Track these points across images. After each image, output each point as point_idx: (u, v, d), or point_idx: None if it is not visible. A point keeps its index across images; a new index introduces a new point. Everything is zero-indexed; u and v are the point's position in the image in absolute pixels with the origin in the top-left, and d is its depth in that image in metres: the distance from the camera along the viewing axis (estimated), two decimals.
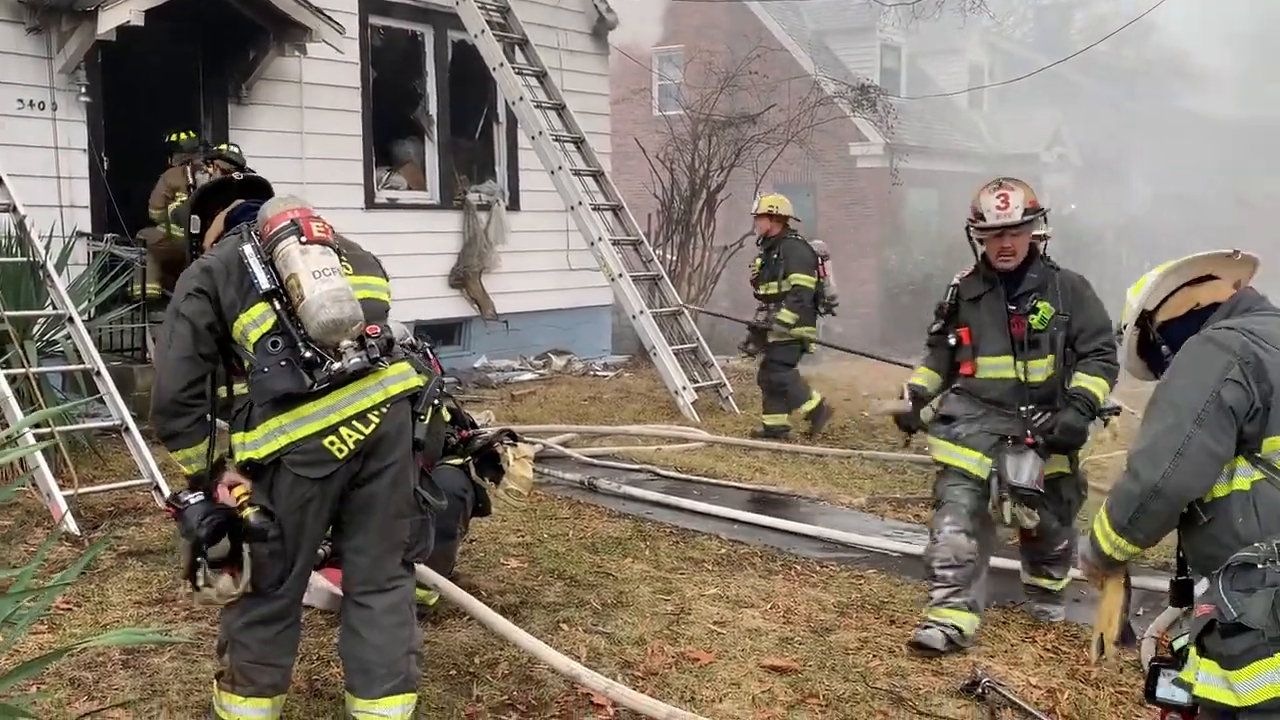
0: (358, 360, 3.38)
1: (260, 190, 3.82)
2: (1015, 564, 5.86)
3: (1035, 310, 4.82)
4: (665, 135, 15.99)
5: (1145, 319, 3.22)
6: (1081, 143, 29.14)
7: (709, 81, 16.69)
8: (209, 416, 3.55)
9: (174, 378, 3.43)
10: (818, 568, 5.88)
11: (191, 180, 9.31)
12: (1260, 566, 2.73)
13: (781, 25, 24.92)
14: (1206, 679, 2.78)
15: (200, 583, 3.41)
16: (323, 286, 3.34)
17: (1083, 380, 4.78)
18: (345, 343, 3.37)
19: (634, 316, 10.96)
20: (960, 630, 4.67)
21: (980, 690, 4.23)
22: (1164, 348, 3.13)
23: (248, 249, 3.44)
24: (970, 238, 4.97)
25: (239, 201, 3.75)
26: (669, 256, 14.92)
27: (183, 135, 9.80)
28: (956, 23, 25.26)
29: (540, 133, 11.44)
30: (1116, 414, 5.05)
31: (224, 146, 9.41)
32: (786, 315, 9.38)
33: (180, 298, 3.48)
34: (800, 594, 5.41)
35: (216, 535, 3.38)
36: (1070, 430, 4.76)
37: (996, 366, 4.91)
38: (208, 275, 3.47)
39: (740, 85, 16.75)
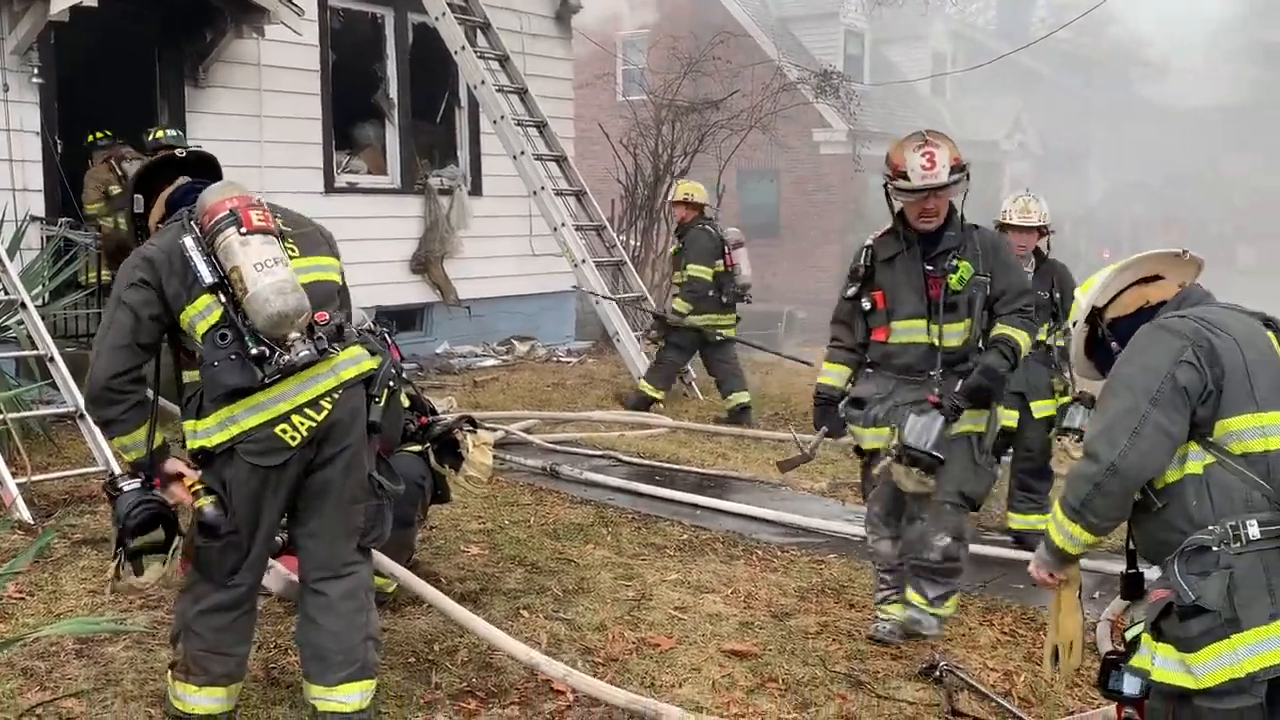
0: (306, 353, 3.33)
1: (207, 167, 3.74)
2: (978, 549, 5.92)
3: (954, 269, 4.52)
4: (629, 120, 15.93)
5: (1095, 316, 3.21)
6: (1042, 130, 29.36)
7: (673, 67, 16.65)
8: (147, 403, 3.49)
9: (107, 365, 3.38)
10: (779, 553, 5.90)
11: (120, 172, 9.26)
12: (1215, 549, 2.76)
13: (745, 10, 24.91)
14: (1164, 663, 2.80)
15: (122, 570, 3.37)
16: (265, 279, 3.27)
17: (1005, 329, 4.55)
18: (293, 334, 3.31)
19: (597, 302, 10.93)
20: (898, 621, 4.70)
21: (938, 673, 4.26)
22: (1114, 344, 3.12)
23: (188, 241, 3.37)
24: (887, 195, 4.59)
25: (182, 180, 3.67)
26: (632, 242, 14.88)
27: (98, 135, 9.76)
28: (919, 10, 25.40)
29: (502, 117, 11.37)
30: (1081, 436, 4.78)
31: (161, 133, 9.23)
32: (680, 305, 9.58)
33: (123, 286, 3.41)
34: (761, 579, 5.43)
35: (143, 527, 3.34)
36: (991, 373, 4.46)
37: (909, 331, 4.59)
38: (150, 266, 3.40)
39: (704, 71, 16.71)
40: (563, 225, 11.10)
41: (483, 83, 11.41)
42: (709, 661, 4.42)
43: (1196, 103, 35.90)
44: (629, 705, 3.87)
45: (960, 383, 4.48)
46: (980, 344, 4.58)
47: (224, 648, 3.52)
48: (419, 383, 10.54)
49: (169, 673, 3.63)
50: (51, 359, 6.65)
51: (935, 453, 4.36)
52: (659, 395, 9.73)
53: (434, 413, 5.08)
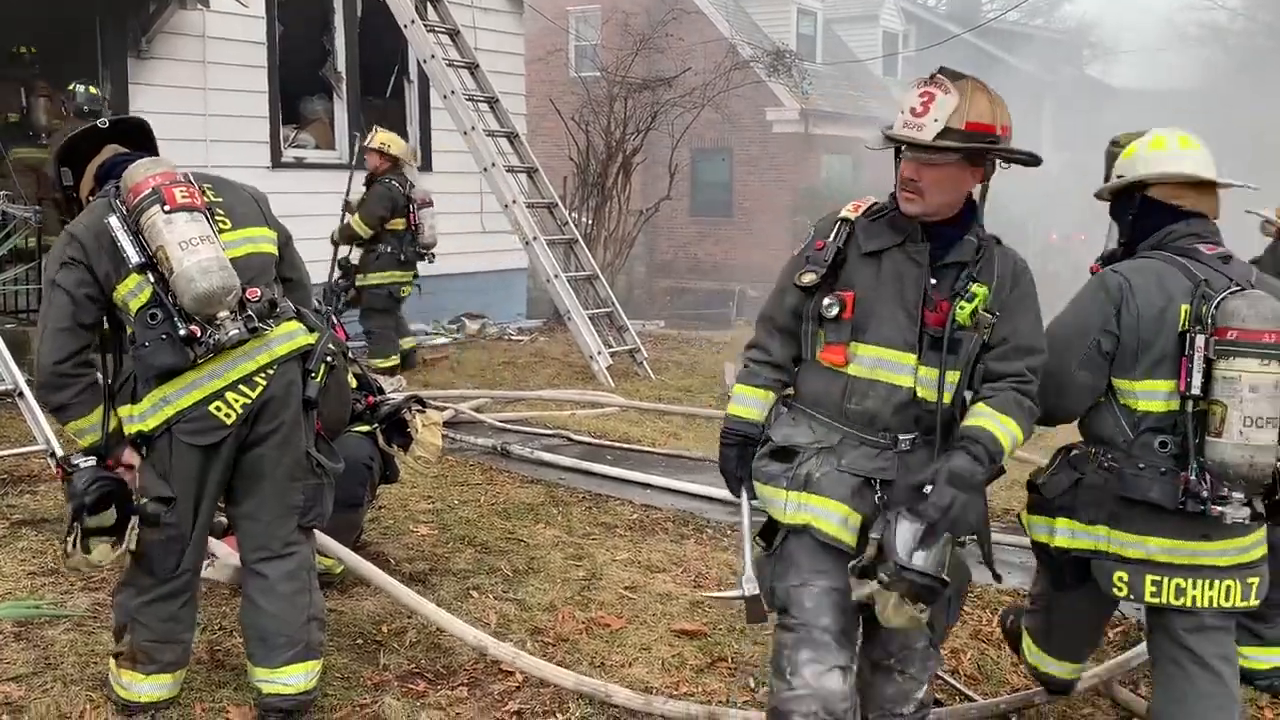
0: (236, 331, 3.28)
1: (136, 133, 3.65)
2: None
3: (967, 294, 3.02)
4: (581, 97, 15.85)
5: (1138, 187, 3.45)
6: None
7: (626, 43, 16.57)
8: (99, 386, 3.43)
9: (53, 349, 3.31)
10: (729, 532, 5.91)
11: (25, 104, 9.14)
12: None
13: None
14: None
15: (72, 548, 3.30)
16: (190, 259, 3.21)
17: (984, 418, 3.00)
18: (222, 313, 3.26)
19: (548, 280, 10.87)
20: None
21: None
22: (1131, 216, 3.49)
23: (114, 220, 3.30)
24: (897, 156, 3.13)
25: (110, 150, 3.58)
26: (585, 220, 14.82)
27: (26, 49, 9.87)
28: None
29: (452, 92, 11.25)
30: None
31: (74, 87, 9.02)
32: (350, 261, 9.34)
33: (55, 267, 3.35)
34: (711, 558, 5.44)
35: (100, 504, 3.27)
36: (960, 481, 2.94)
37: (888, 365, 3.04)
38: (78, 245, 3.33)
39: (657, 48, 16.66)
40: (514, 202, 11.03)
41: (432, 57, 11.28)
42: (659, 641, 4.42)
43: (1147, 84, 36.32)
44: (577, 687, 3.86)
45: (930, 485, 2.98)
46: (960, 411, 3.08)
47: (172, 635, 3.48)
48: (367, 361, 10.47)
49: (112, 661, 3.57)
50: None
51: (943, 576, 2.92)
52: (393, 361, 9.37)
53: (381, 392, 5.02)
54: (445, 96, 11.33)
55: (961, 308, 3.00)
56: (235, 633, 4.14)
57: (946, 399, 3.00)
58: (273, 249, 3.59)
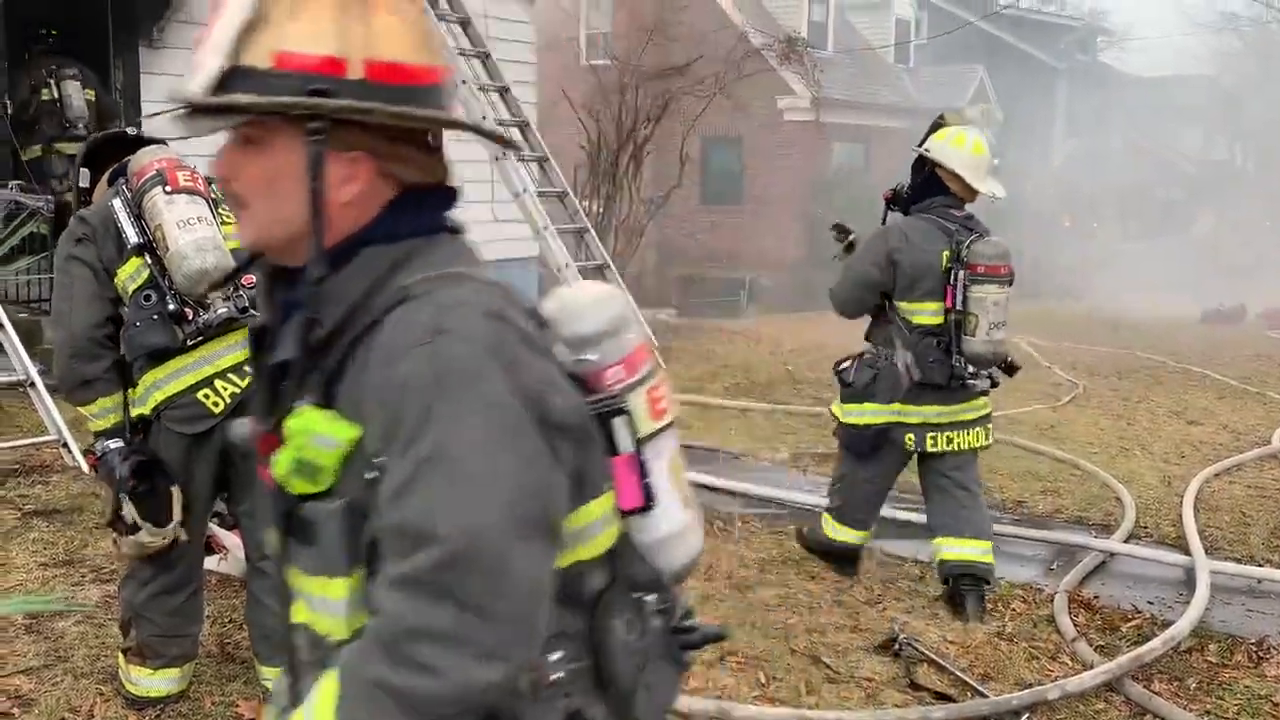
0: (224, 310, 3.28)
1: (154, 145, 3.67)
2: None
3: (288, 429, 1.46)
4: (592, 85, 15.81)
5: (931, 162, 4.75)
6: (1005, 99, 29.43)
7: (637, 31, 16.51)
8: (122, 366, 3.42)
9: (85, 316, 3.32)
10: (739, 523, 5.89)
11: (53, 85, 9.20)
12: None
13: None
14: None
15: (129, 523, 3.29)
16: (187, 236, 3.24)
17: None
18: (214, 294, 3.27)
19: (559, 270, 10.85)
20: None
21: (898, 646, 4.27)
22: (921, 178, 4.82)
23: (117, 203, 3.35)
24: None
25: (127, 159, 3.60)
26: (596, 209, 14.80)
27: (51, 31, 9.69)
28: None
29: (464, 82, 11.21)
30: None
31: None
32: None
33: (70, 245, 3.39)
34: (722, 550, 5.42)
35: (139, 473, 3.27)
36: None
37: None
38: (87, 226, 3.38)
39: (668, 36, 16.60)
40: (524, 192, 10.99)
41: (444, 45, 11.25)
42: None
43: (1161, 71, 36.13)
44: None
45: None
46: None
47: (178, 630, 3.48)
48: None
49: (120, 656, 3.58)
50: (1, 326, 6.51)
51: None
52: None
53: None
54: (456, 86, 11.30)
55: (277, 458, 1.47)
56: (245, 625, 4.13)
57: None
58: None
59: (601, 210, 14.88)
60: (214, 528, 4.44)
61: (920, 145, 4.82)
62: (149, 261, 3.30)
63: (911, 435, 4.71)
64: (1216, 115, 34.35)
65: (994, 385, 4.74)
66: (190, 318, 3.27)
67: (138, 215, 3.31)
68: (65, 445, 6.17)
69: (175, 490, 3.32)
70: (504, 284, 1.53)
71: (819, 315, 11.44)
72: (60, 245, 3.44)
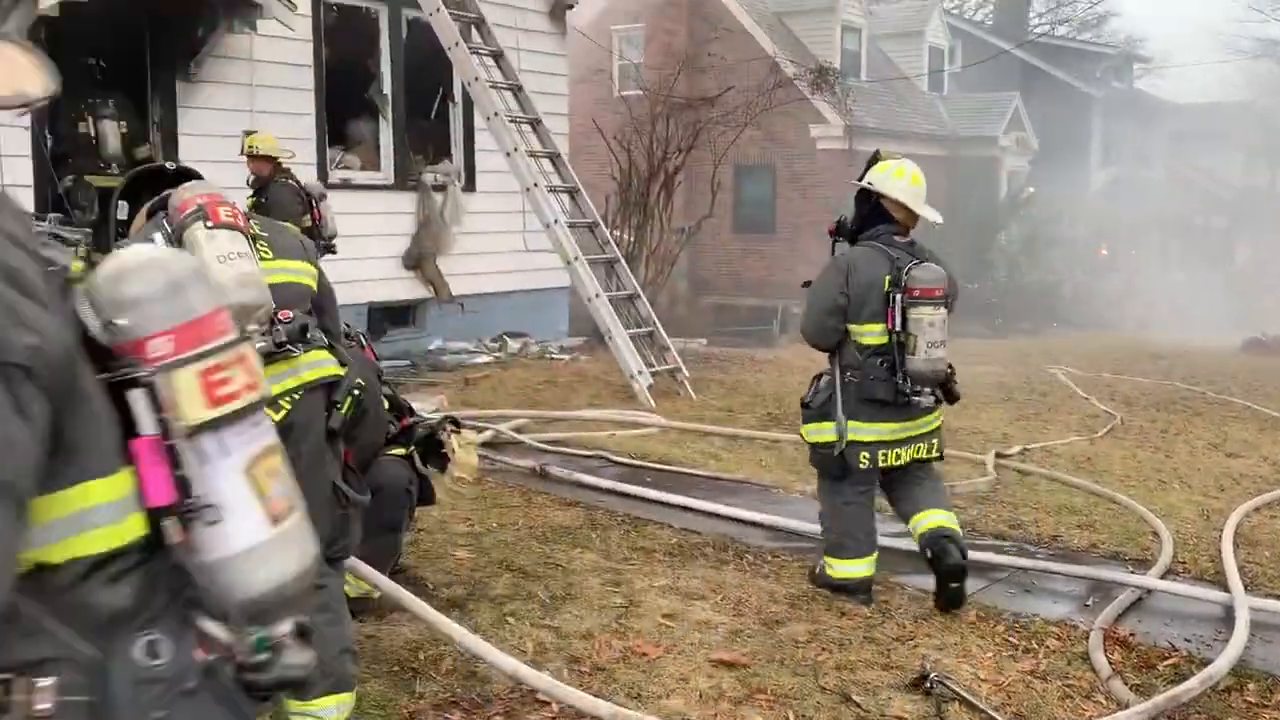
0: (263, 344, 3.28)
1: (191, 179, 3.71)
2: (971, 555, 5.87)
3: None
4: (624, 116, 15.88)
5: (875, 194, 5.07)
6: (1040, 126, 29.31)
7: (668, 62, 16.59)
8: None
9: None
10: (769, 557, 5.84)
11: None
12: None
13: (741, 4, 24.80)
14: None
15: None
16: (228, 271, 3.24)
17: None
18: (251, 326, 3.27)
19: (589, 300, 10.87)
20: None
21: (929, 684, 4.21)
22: (865, 209, 5.16)
23: (157, 237, 3.35)
24: None
25: (167, 193, 3.64)
26: (626, 239, 14.83)
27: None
28: (916, 5, 25.31)
29: (496, 114, 11.31)
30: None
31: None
32: None
33: None
34: (751, 585, 5.37)
35: None
36: None
37: None
38: None
39: (699, 66, 16.66)
40: (555, 223, 11.05)
41: (476, 79, 11.35)
42: (697, 671, 4.36)
43: (1196, 99, 35.87)
44: (613, 718, 3.82)
45: None
46: None
47: None
48: (411, 380, 10.54)
49: None
50: None
51: None
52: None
53: (413, 413, 5.02)
54: (489, 118, 11.40)
55: None
56: None
57: None
58: (311, 283, 3.61)
59: (632, 240, 14.91)
60: None
61: (860, 179, 5.14)
62: None
63: (866, 454, 5.06)
64: (1255, 141, 34.02)
65: (937, 402, 5.10)
66: None
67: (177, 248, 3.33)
68: None
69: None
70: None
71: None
72: None
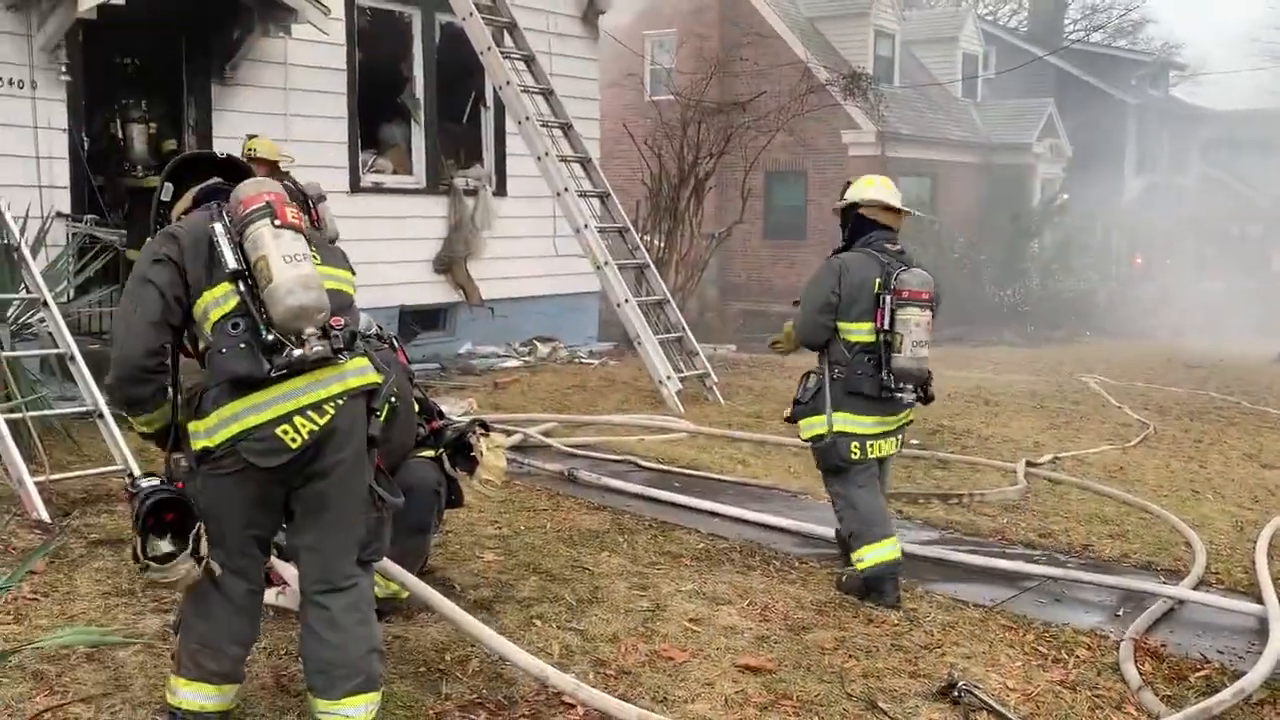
0: (320, 348, 3.30)
1: (237, 173, 3.74)
2: (1001, 563, 5.84)
3: None
4: (655, 121, 15.89)
5: (855, 207, 5.47)
6: (1074, 133, 29.10)
7: (700, 67, 16.59)
8: (169, 389, 3.49)
9: (140, 341, 3.35)
10: (797, 564, 5.83)
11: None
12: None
13: (774, 10, 24.79)
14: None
15: (145, 565, 3.34)
16: (292, 271, 3.28)
17: None
18: (309, 330, 3.29)
19: (619, 305, 10.88)
20: None
21: (957, 694, 4.18)
22: (850, 225, 5.51)
23: (218, 227, 3.37)
24: None
25: (214, 180, 3.67)
26: (656, 244, 14.83)
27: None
28: (950, 10, 25.13)
29: (527, 118, 11.34)
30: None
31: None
32: None
33: (147, 264, 3.40)
34: (778, 591, 5.36)
35: (157, 510, 3.31)
36: None
37: None
38: (174, 243, 3.39)
39: (731, 71, 16.65)
40: (585, 227, 11.06)
41: (508, 83, 11.38)
42: (722, 676, 4.35)
43: (1233, 106, 35.52)
44: None
45: None
46: None
47: (215, 644, 3.49)
48: (441, 384, 10.58)
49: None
50: (72, 358, 6.65)
51: None
52: None
53: (442, 416, 5.04)
54: (520, 122, 11.42)
55: None
56: (301, 659, 4.15)
57: None
58: (353, 292, 3.65)
59: (663, 245, 14.91)
60: (273, 560, 4.49)
61: (840, 201, 5.58)
62: (241, 289, 3.32)
63: (856, 444, 5.36)
64: None
65: (919, 400, 5.39)
66: (282, 349, 3.29)
67: (238, 243, 3.35)
68: (131, 475, 6.27)
69: (199, 527, 3.36)
70: None
71: None
72: (142, 255, 3.46)
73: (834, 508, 5.52)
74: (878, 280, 5.28)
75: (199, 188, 3.66)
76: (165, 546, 3.36)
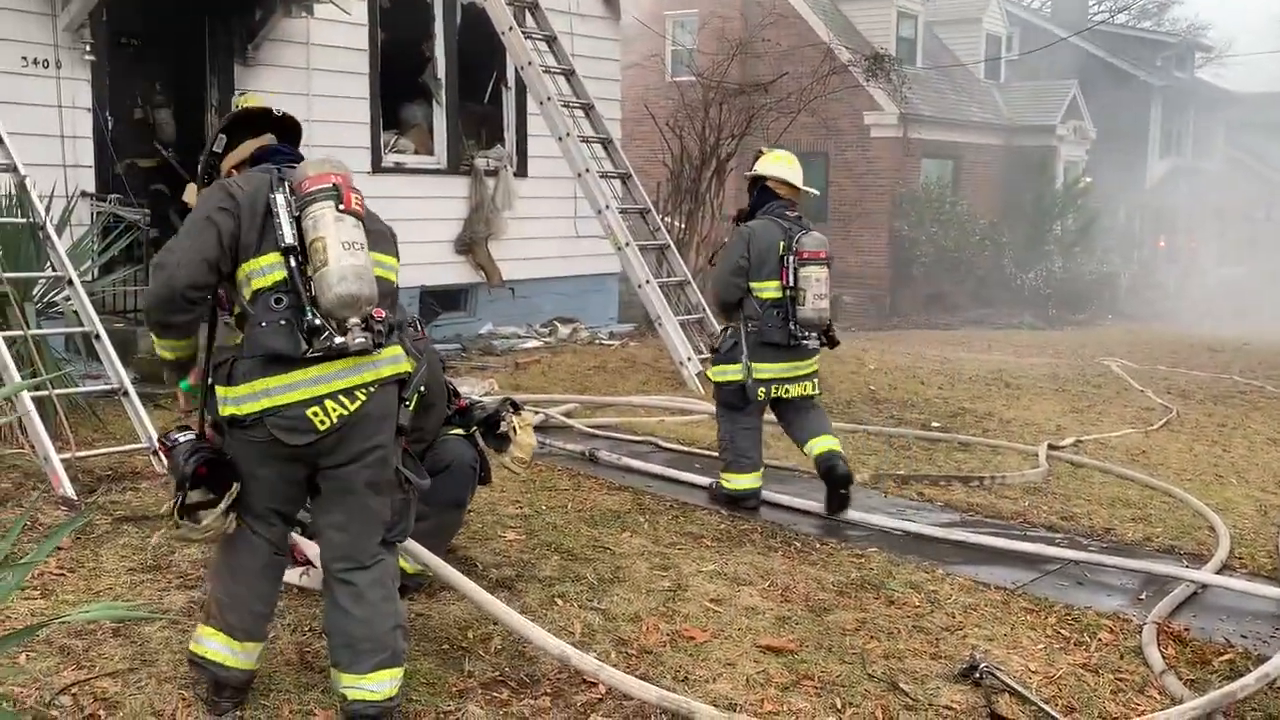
0: (362, 340, 3.31)
1: (294, 134, 3.76)
2: (1023, 546, 5.82)
3: None
4: (676, 102, 15.83)
5: (762, 179, 6.35)
6: (1098, 115, 28.86)
7: (722, 48, 16.50)
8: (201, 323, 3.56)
9: (187, 272, 3.36)
10: (818, 545, 5.83)
11: None
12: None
13: None
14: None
15: (181, 519, 3.39)
16: (349, 260, 3.28)
17: None
18: (353, 319, 3.30)
19: (640, 286, 10.87)
20: None
21: (978, 675, 4.18)
22: (756, 193, 6.38)
23: (279, 198, 3.37)
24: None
25: (268, 137, 3.67)
26: (677, 225, 14.79)
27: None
28: None
29: (548, 98, 11.31)
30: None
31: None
32: None
33: (213, 206, 3.41)
34: (799, 572, 5.36)
35: (201, 473, 3.36)
36: None
37: None
38: (235, 202, 3.40)
39: (753, 52, 16.56)
40: (607, 208, 11.04)
41: (530, 64, 11.35)
42: (744, 656, 4.36)
43: (1259, 88, 35.15)
44: (660, 702, 3.82)
45: None
46: None
47: (239, 599, 3.55)
48: (462, 364, 10.60)
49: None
50: (97, 336, 6.70)
51: None
52: None
53: (458, 395, 5.06)
54: (541, 103, 11.40)
55: None
56: (325, 635, 4.18)
57: None
58: (395, 278, 3.66)
59: (683, 226, 14.87)
60: (296, 537, 4.52)
61: (751, 171, 6.42)
62: (290, 265, 3.33)
63: (762, 389, 6.22)
64: None
65: (822, 345, 6.32)
66: (323, 333, 3.30)
67: (297, 218, 3.35)
68: (155, 453, 6.32)
69: (236, 486, 3.41)
70: None
71: (904, 334, 11.32)
72: (203, 200, 3.47)
73: (718, 435, 6.46)
74: (781, 243, 6.15)
75: (258, 145, 3.66)
76: (196, 497, 3.41)
